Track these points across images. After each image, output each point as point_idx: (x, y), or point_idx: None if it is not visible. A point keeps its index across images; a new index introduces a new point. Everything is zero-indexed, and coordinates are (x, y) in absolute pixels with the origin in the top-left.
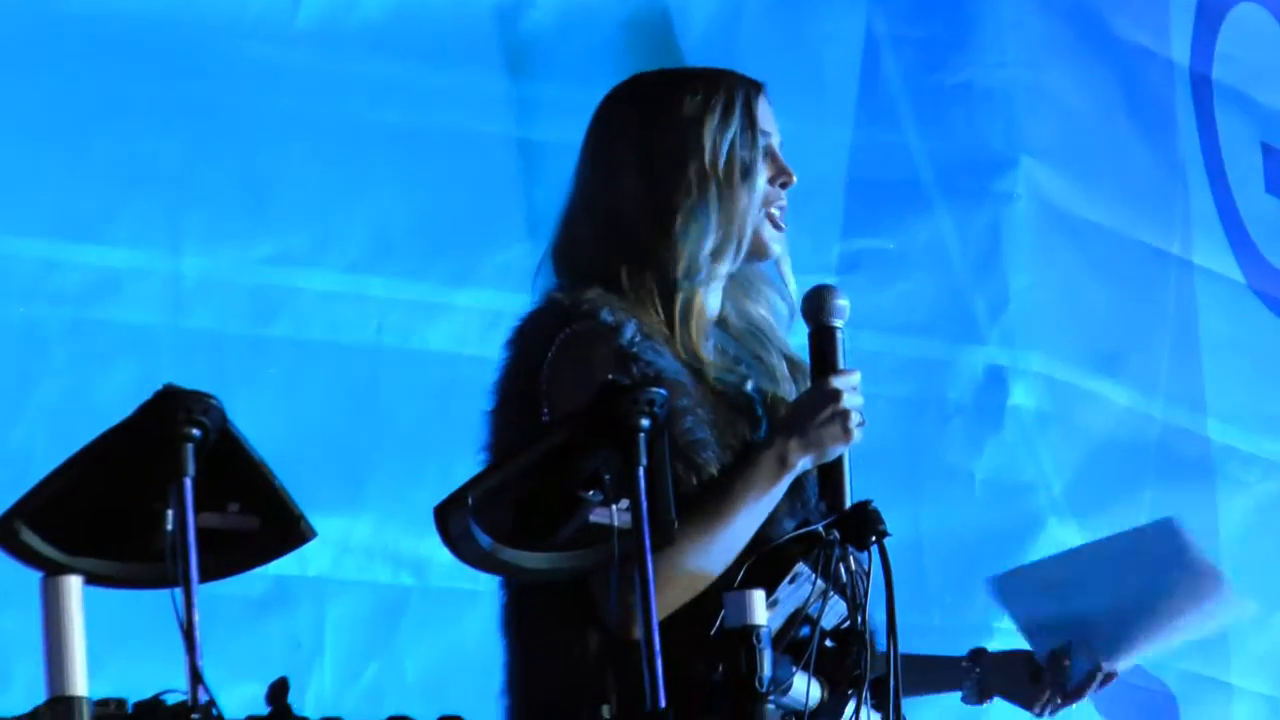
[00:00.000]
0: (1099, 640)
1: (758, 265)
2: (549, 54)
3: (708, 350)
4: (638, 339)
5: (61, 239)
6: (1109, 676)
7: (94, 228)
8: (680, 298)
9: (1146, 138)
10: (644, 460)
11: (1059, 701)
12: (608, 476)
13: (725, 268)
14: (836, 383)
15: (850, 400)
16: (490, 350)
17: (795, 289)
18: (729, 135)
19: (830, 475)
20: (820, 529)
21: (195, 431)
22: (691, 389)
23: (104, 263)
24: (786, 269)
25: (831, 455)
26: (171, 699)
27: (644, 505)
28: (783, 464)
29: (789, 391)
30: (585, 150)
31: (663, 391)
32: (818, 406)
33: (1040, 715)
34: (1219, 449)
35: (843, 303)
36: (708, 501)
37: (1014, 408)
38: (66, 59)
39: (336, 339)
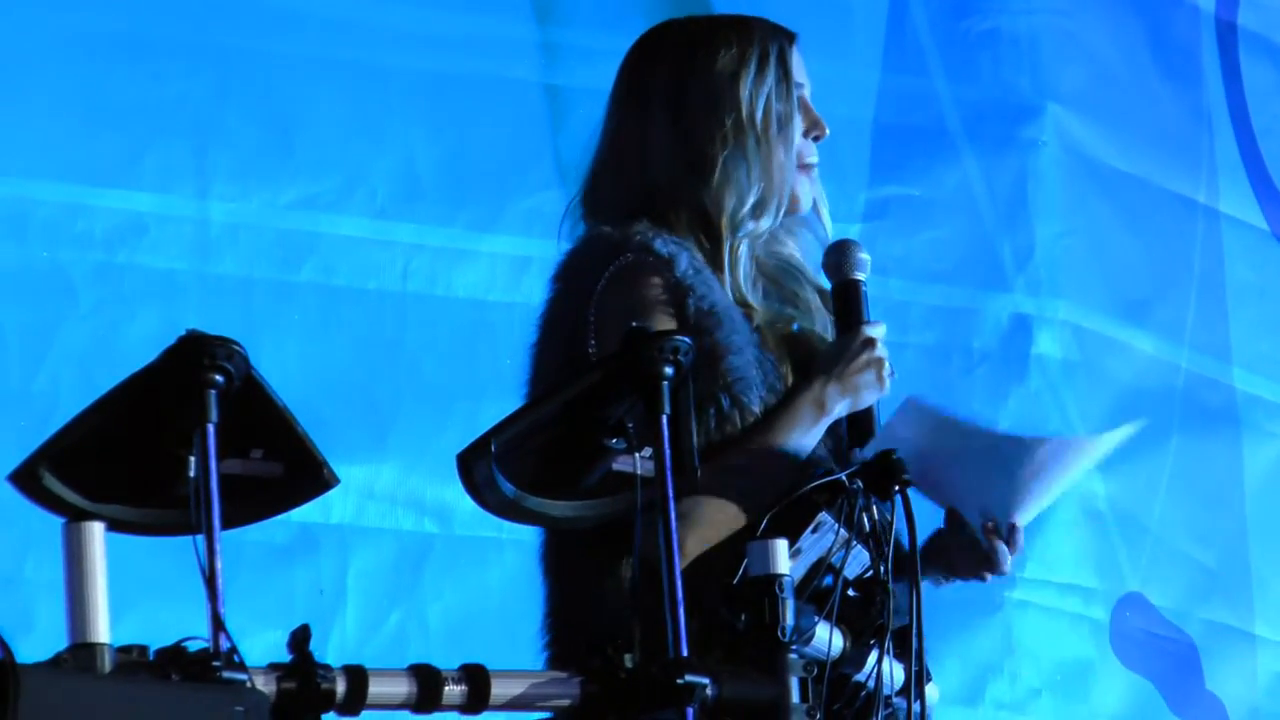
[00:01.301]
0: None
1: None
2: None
3: (756, 297)
4: (691, 271)
5: (87, 183)
6: (1012, 529)
7: (120, 172)
8: (725, 248)
9: (1173, 85)
10: (667, 408)
11: (987, 560)
12: (631, 425)
13: (768, 222)
14: (870, 331)
15: (881, 350)
16: (517, 296)
17: (831, 230)
18: (765, 89)
19: (861, 424)
20: (844, 478)
21: (218, 378)
22: (742, 326)
23: (130, 207)
24: (824, 212)
25: (866, 402)
26: (193, 646)
27: (667, 454)
28: (820, 408)
29: (824, 324)
30: (616, 98)
31: (687, 339)
32: (854, 353)
33: (985, 579)
34: (1244, 398)
35: (864, 256)
36: (750, 443)
37: (1039, 356)
38: (93, 3)
39: (362, 285)
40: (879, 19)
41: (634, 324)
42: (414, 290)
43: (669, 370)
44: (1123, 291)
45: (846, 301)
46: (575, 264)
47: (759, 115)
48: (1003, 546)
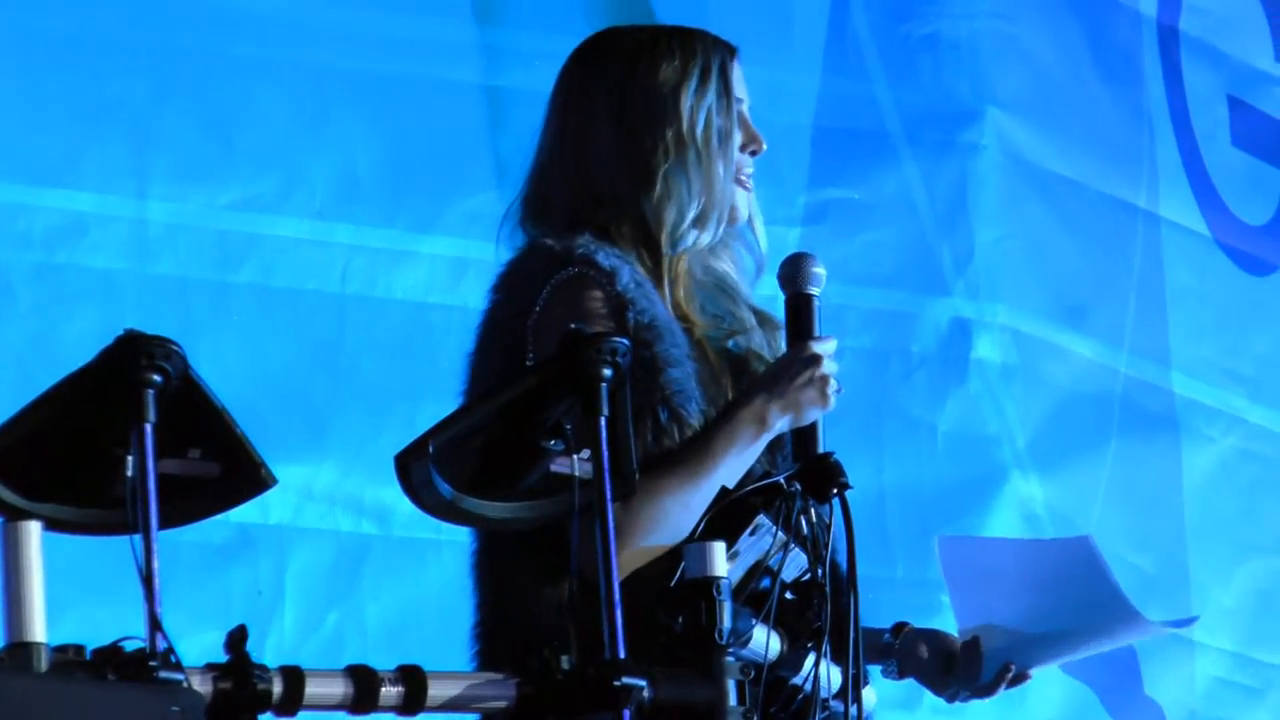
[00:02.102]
0: (1015, 640)
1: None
2: (517, 1)
3: (695, 310)
4: (632, 285)
5: (26, 183)
6: (1020, 677)
7: (59, 172)
8: (666, 262)
9: (1113, 90)
10: (605, 410)
11: (967, 694)
12: (569, 426)
13: (709, 236)
14: (816, 348)
15: (827, 366)
16: (455, 298)
17: (765, 243)
18: (706, 103)
19: (803, 437)
20: (781, 480)
21: (156, 377)
22: (681, 339)
23: (69, 206)
24: (758, 225)
25: (809, 419)
26: (130, 646)
27: (605, 455)
28: (761, 423)
29: (759, 343)
30: (556, 104)
31: (625, 341)
32: (798, 370)
33: (950, 702)
34: (1183, 402)
35: (819, 270)
36: (688, 455)
37: (978, 360)
38: (30, 2)
39: (301, 285)
40: (819, 23)
41: (572, 325)
42: (353, 291)
43: (607, 372)
44: (1062, 296)
45: (797, 315)
46: (516, 274)
47: (699, 129)
48: (1002, 688)
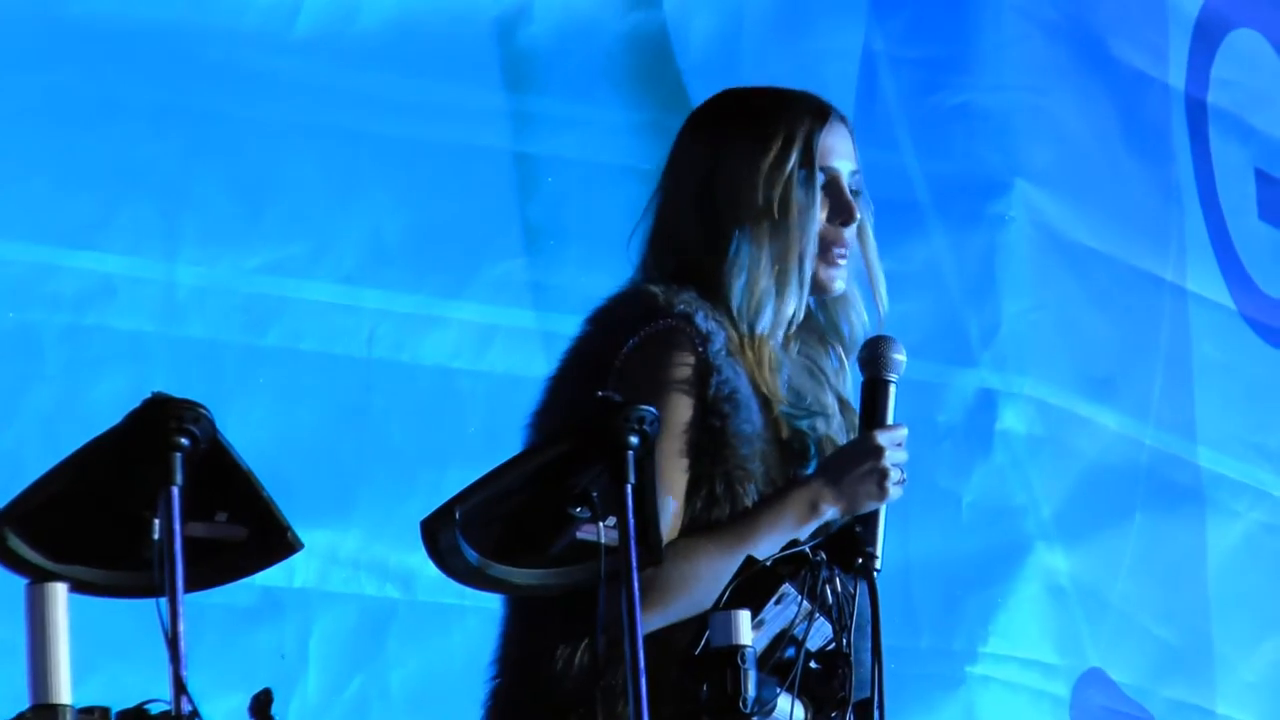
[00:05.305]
0: None
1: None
2: (546, 68)
3: (780, 386)
4: (723, 354)
5: (57, 244)
6: None
7: (90, 234)
8: (751, 337)
9: (1142, 162)
10: (632, 478)
11: None
12: (596, 494)
13: (790, 308)
14: (881, 439)
15: (893, 457)
16: (482, 364)
17: (885, 307)
18: (783, 175)
19: (864, 525)
20: (807, 550)
21: (184, 440)
22: (758, 417)
23: (99, 269)
24: (881, 289)
25: (863, 510)
26: (155, 708)
27: (631, 523)
28: (813, 508)
29: (838, 429)
30: (668, 165)
31: (653, 410)
32: (858, 460)
33: None
34: (1209, 476)
35: (899, 357)
36: (731, 526)
37: (1003, 431)
38: (65, 64)
39: (329, 350)
40: (849, 91)
41: (600, 393)
42: (380, 356)
43: (634, 440)
44: (1088, 368)
45: (871, 401)
46: (614, 312)
47: (775, 203)
48: None
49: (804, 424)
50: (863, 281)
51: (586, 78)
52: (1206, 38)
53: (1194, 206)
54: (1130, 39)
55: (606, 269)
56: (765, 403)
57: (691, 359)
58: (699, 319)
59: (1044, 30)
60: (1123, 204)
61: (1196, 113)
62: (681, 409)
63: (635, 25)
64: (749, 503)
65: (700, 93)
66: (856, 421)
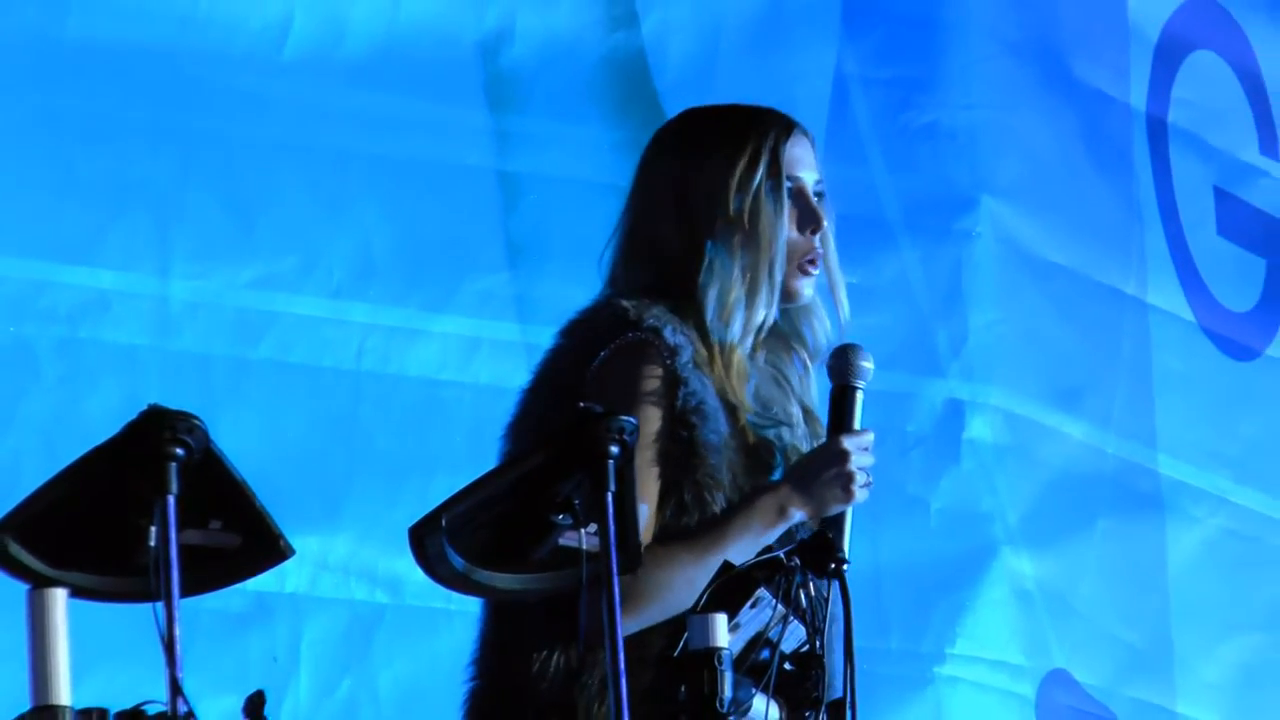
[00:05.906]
0: None
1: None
2: (528, 89)
3: (747, 395)
4: (690, 366)
5: (53, 260)
6: None
7: (84, 249)
8: (719, 347)
9: (1104, 179)
10: (613, 486)
11: None
12: (577, 501)
13: (760, 316)
14: (847, 443)
15: (859, 461)
16: (467, 376)
17: (846, 313)
18: (753, 185)
19: (831, 528)
20: (782, 555)
21: (179, 450)
22: (724, 427)
23: (93, 283)
24: (841, 295)
25: (830, 513)
26: (152, 709)
27: (611, 530)
28: (781, 513)
29: (802, 437)
30: (635, 182)
31: (633, 420)
32: (824, 464)
33: None
34: (1169, 483)
35: (867, 364)
36: (702, 533)
37: (971, 440)
38: (60, 84)
39: (318, 362)
40: (821, 111)
41: (581, 404)
42: (368, 368)
43: (615, 449)
44: (1053, 379)
45: (839, 407)
46: (586, 325)
47: (745, 214)
48: None
49: (770, 433)
50: (822, 289)
51: (567, 98)
52: (1167, 59)
53: (1155, 222)
54: (1094, 60)
55: (587, 282)
56: (732, 412)
57: (660, 371)
58: (667, 333)
59: (1010, 51)
60: (1086, 220)
61: (1157, 131)
62: (652, 419)
63: (614, 47)
64: (717, 509)
65: (677, 111)
66: (821, 430)
